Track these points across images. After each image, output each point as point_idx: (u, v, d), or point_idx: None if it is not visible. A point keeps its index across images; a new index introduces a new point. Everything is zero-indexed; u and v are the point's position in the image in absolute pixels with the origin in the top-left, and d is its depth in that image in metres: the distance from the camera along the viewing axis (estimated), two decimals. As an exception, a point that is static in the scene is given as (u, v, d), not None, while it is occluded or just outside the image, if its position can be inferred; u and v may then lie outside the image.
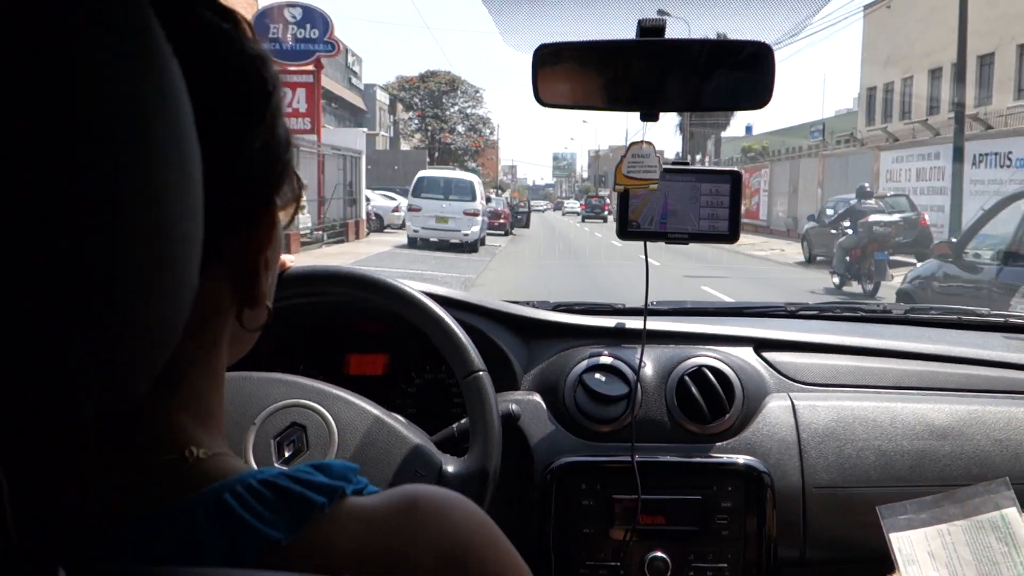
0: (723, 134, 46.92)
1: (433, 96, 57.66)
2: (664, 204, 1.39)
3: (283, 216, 0.63)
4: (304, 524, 0.52)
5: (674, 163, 1.39)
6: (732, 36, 1.24)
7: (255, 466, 1.07)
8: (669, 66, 1.21)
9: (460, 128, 59.63)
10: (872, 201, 13.72)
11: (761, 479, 1.39)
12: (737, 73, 1.20)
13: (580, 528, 1.40)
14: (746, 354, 1.54)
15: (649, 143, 1.32)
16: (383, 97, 53.16)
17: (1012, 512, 1.22)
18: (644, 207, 1.39)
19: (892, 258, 12.92)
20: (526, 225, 22.32)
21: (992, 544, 1.21)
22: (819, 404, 1.46)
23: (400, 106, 58.15)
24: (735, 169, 1.42)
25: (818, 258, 17.92)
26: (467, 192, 21.36)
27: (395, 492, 0.57)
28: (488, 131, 61.76)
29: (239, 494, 0.52)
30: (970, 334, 1.73)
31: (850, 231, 12.98)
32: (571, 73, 1.23)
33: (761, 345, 1.56)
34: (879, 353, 1.57)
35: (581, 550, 1.40)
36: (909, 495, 1.28)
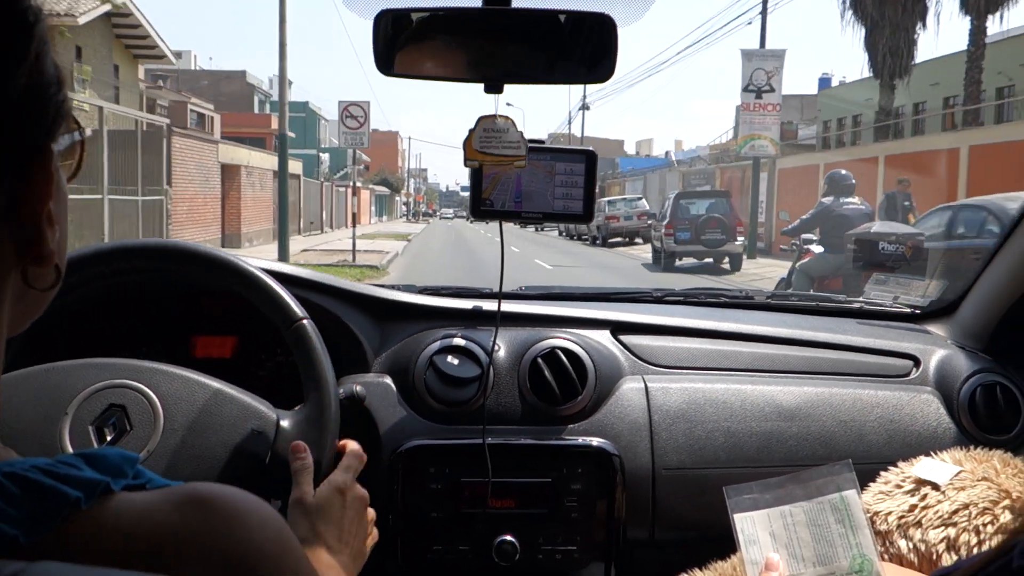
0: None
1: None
2: (518, 184, 1.37)
3: (65, 167, 0.57)
4: (53, 521, 0.48)
5: (529, 141, 1.37)
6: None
7: None
8: (513, 36, 1.19)
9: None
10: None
11: (611, 461, 1.38)
12: (581, 45, 1.18)
13: (428, 512, 1.37)
14: (602, 337, 1.53)
15: (505, 117, 1.29)
16: None
17: (852, 494, 1.23)
18: (496, 185, 1.36)
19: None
20: None
21: (831, 525, 1.22)
22: (672, 386, 1.47)
23: None
24: (590, 148, 1.40)
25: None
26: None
27: (180, 489, 0.53)
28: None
29: None
30: (826, 319, 1.77)
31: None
32: (413, 41, 1.19)
33: (618, 328, 1.56)
34: (733, 336, 1.59)
35: (428, 535, 1.37)
36: (757, 476, 1.28)
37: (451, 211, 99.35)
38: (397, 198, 75.55)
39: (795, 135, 33.57)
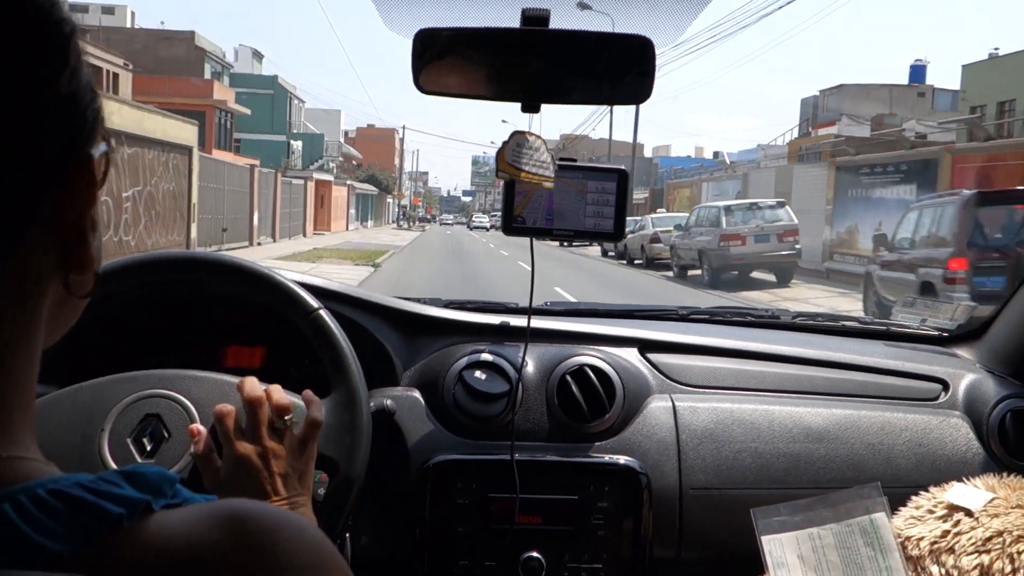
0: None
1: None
2: (549, 201, 1.37)
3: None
4: (95, 537, 0.48)
5: (560, 160, 1.37)
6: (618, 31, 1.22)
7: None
8: (551, 56, 1.19)
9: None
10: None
11: (638, 479, 1.38)
12: (619, 66, 1.19)
13: (455, 527, 1.37)
14: (630, 355, 1.53)
15: (537, 135, 1.29)
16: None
17: (881, 517, 1.23)
18: (528, 202, 1.36)
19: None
20: None
21: (860, 548, 1.22)
22: (699, 406, 1.47)
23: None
24: (622, 167, 1.40)
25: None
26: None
27: (214, 507, 0.53)
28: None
29: (20, 503, 0.48)
30: (853, 341, 1.76)
31: None
32: (451, 60, 1.20)
33: (646, 346, 1.56)
34: (761, 357, 1.59)
35: (455, 550, 1.37)
36: (784, 497, 1.29)
37: (451, 217, 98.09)
38: (389, 199, 65.63)
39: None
